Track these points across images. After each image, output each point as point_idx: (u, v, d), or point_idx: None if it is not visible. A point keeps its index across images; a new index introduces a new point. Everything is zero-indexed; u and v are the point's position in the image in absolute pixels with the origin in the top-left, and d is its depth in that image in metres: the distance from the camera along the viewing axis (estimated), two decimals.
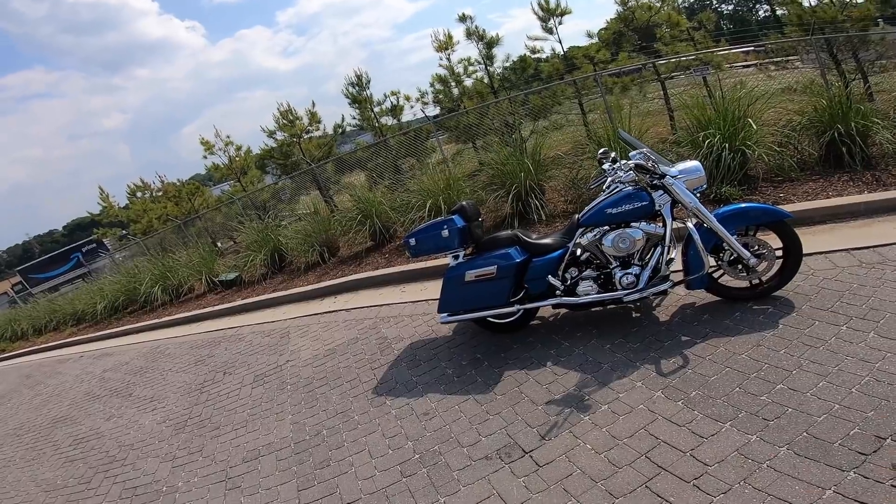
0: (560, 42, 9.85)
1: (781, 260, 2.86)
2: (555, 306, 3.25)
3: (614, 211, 2.92)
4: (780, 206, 3.08)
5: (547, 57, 10.64)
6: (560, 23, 9.54)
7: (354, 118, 9.62)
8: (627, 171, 2.95)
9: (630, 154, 2.96)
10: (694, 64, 8.32)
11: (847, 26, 7.12)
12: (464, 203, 3.41)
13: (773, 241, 2.87)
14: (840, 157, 4.14)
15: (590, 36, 10.33)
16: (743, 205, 2.88)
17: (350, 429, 3.01)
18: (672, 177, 2.85)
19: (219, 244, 11.25)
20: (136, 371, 5.95)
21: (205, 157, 10.80)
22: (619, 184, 2.99)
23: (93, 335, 9.24)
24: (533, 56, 10.49)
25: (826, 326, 2.56)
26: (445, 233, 3.31)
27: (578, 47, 10.31)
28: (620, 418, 2.37)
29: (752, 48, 11.07)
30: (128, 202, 12.65)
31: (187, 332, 6.85)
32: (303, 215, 7.82)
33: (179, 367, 5.40)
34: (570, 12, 9.36)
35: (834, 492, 1.71)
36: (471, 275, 3.27)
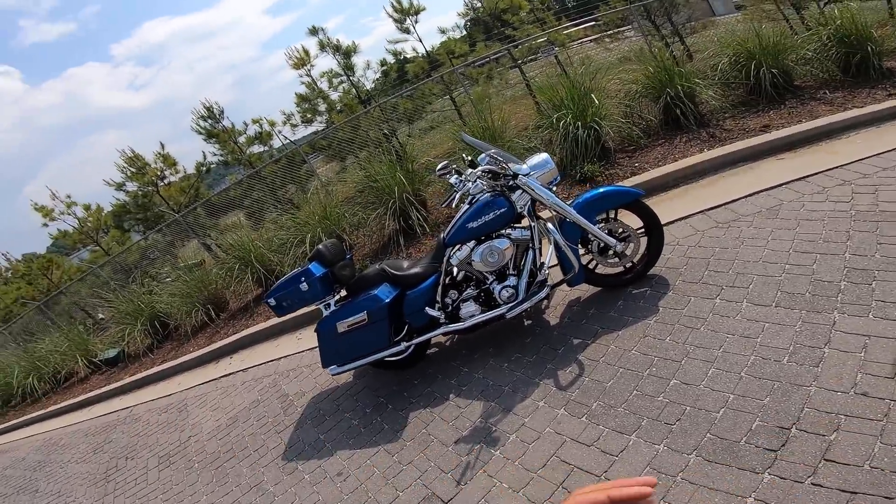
0: (420, 40, 9.41)
1: (646, 237, 2.67)
2: (444, 334, 2.83)
3: (475, 224, 2.52)
4: (631, 186, 2.86)
5: (412, 57, 10.17)
6: (416, 21, 9.08)
7: (215, 154, 8.39)
8: (476, 181, 2.56)
9: (479, 159, 2.57)
10: (543, 45, 8.34)
11: None
12: (320, 247, 2.84)
13: (634, 220, 2.67)
14: (677, 119, 4.16)
15: (443, 31, 9.98)
16: (599, 190, 2.61)
17: (267, 502, 2.64)
18: (524, 175, 2.51)
19: (101, 315, 9.55)
20: (35, 466, 5.24)
21: (45, 226, 8.95)
22: (476, 194, 2.60)
23: None
24: (396, 58, 9.95)
25: (701, 302, 2.40)
26: (304, 286, 2.73)
27: (449, 41, 9.92)
28: (530, 447, 2.11)
29: (593, 23, 11.43)
30: None
31: (78, 418, 5.96)
32: (177, 273, 6.68)
33: (78, 458, 4.75)
34: (423, 9, 8.90)
35: (755, 499, 1.51)
36: (343, 325, 2.74)
